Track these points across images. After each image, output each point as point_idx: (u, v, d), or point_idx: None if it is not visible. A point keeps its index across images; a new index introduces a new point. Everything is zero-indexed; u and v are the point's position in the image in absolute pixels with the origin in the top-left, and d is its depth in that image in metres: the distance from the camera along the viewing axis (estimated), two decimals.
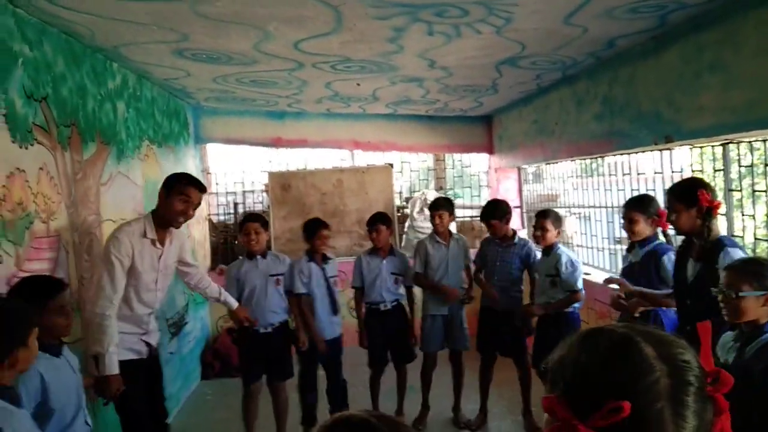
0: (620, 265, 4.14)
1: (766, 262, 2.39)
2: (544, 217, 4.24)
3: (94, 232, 3.71)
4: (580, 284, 4.14)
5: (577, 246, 6.07)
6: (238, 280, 4.19)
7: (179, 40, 3.56)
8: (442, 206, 4.68)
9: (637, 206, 3.51)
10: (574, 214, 6.52)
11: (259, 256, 4.22)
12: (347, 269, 5.19)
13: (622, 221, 3.66)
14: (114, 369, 2.96)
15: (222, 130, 6.72)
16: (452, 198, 7.85)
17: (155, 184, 4.78)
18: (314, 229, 4.49)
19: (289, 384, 4.37)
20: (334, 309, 4.49)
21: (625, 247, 4.00)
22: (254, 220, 4.26)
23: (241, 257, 4.46)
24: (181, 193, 3.23)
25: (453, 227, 6.91)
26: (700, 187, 2.84)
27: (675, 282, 3.10)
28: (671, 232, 3.43)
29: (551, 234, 4.21)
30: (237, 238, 7.28)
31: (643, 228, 3.47)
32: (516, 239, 4.62)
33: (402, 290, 4.77)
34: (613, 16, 3.19)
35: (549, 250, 4.26)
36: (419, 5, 2.97)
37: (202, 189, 3.36)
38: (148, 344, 3.37)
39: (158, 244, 3.28)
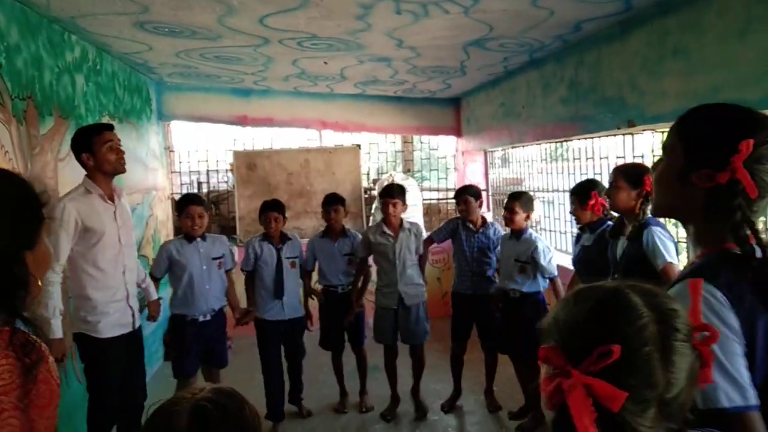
0: None
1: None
2: (514, 199, 4.17)
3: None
4: (555, 270, 4.12)
5: (541, 229, 6.14)
6: (175, 262, 3.93)
7: (140, 12, 3.46)
8: (397, 194, 4.38)
9: (575, 190, 3.70)
10: (539, 198, 6.59)
11: (198, 239, 3.98)
12: None
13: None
14: (58, 333, 2.96)
15: (186, 106, 6.58)
16: (419, 180, 7.91)
17: None
18: (264, 210, 4.37)
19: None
20: (276, 291, 4.31)
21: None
22: (198, 203, 3.99)
23: (177, 238, 4.16)
24: (104, 142, 3.13)
25: (418, 219, 6.97)
26: (647, 173, 3.01)
27: (609, 259, 3.26)
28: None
29: (519, 217, 4.13)
30: None
31: (580, 212, 3.64)
32: (488, 224, 4.53)
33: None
34: None
35: (519, 234, 4.18)
36: None
37: (111, 127, 3.26)
38: (132, 311, 3.33)
39: (108, 200, 3.22)
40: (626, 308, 0.89)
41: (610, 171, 3.25)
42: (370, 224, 7.16)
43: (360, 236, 4.64)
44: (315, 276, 4.75)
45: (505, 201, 4.32)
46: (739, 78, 2.78)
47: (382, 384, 4.68)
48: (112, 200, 3.26)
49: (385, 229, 4.40)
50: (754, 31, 2.67)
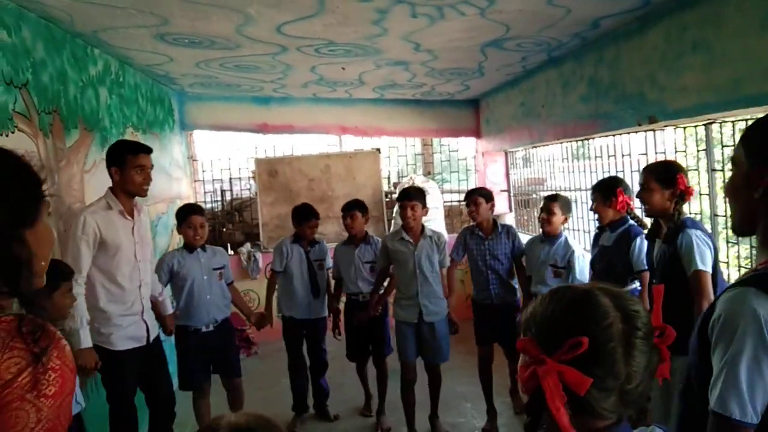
0: None
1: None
2: (553, 201, 4.03)
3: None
4: (587, 277, 3.95)
5: (565, 229, 6.09)
6: (176, 273, 3.92)
7: (159, 24, 3.52)
8: (415, 196, 4.05)
9: (598, 188, 3.63)
10: None
11: (199, 249, 3.97)
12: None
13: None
14: (87, 343, 3.00)
15: (208, 116, 6.66)
16: (440, 183, 7.89)
17: None
18: (304, 218, 4.50)
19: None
20: (314, 291, 4.48)
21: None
22: (199, 212, 3.99)
23: (177, 249, 4.13)
24: (135, 165, 3.19)
25: (440, 222, 6.93)
26: (679, 171, 2.92)
27: (647, 263, 3.20)
28: (638, 212, 3.51)
29: (557, 218, 3.98)
30: (225, 226, 7.28)
31: (605, 210, 3.55)
32: (499, 228, 4.34)
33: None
34: None
35: (554, 237, 4.05)
36: None
37: (150, 151, 3.31)
38: (147, 326, 3.37)
39: (127, 216, 3.27)
40: (595, 308, 1.01)
41: (641, 171, 3.12)
42: (392, 229, 7.17)
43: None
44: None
45: (542, 203, 4.19)
46: (761, 71, 2.75)
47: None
48: (132, 216, 3.31)
49: (404, 236, 4.09)
50: None
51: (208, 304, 3.94)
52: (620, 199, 3.48)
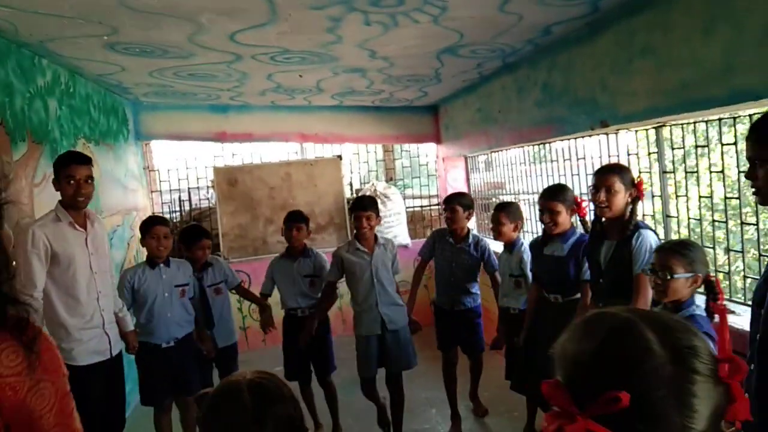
0: None
1: (694, 245, 2.50)
2: (500, 210, 4.00)
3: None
4: None
5: (525, 232, 6.15)
6: (136, 291, 3.82)
7: (109, 33, 3.45)
8: (369, 206, 4.00)
9: (557, 196, 3.46)
10: (523, 200, 6.60)
11: (162, 264, 3.87)
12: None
13: (540, 214, 3.52)
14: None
15: (164, 125, 6.55)
16: (401, 188, 7.91)
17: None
18: (191, 239, 4.24)
19: None
20: (208, 322, 4.21)
21: None
22: (163, 223, 3.90)
23: (139, 265, 4.01)
24: (66, 176, 3.14)
25: (403, 227, 6.93)
26: (632, 174, 3.00)
27: (589, 263, 3.19)
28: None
29: (507, 228, 3.95)
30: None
31: (565, 218, 3.45)
32: (470, 238, 4.33)
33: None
34: (546, 3, 3.23)
35: (511, 247, 4.03)
36: None
37: (83, 161, 3.22)
38: (109, 339, 3.31)
39: (78, 227, 3.21)
40: (638, 347, 0.81)
41: (595, 173, 3.06)
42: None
43: (322, 255, 4.42)
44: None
45: (491, 214, 4.15)
46: (706, 75, 2.82)
47: (359, 417, 4.52)
48: (84, 227, 3.25)
49: (359, 246, 4.03)
50: (717, 28, 2.71)
51: (168, 323, 3.84)
52: (583, 205, 3.43)
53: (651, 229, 2.94)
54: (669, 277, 2.35)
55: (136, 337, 3.70)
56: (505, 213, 3.98)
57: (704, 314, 2.35)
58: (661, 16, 3.09)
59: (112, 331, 3.37)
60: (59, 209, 3.20)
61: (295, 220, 4.31)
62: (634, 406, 0.76)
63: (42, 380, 1.20)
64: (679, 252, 2.39)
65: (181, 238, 4.32)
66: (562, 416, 0.81)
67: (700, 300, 2.45)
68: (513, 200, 4.96)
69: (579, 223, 3.52)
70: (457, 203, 4.27)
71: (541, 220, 3.52)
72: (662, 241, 2.92)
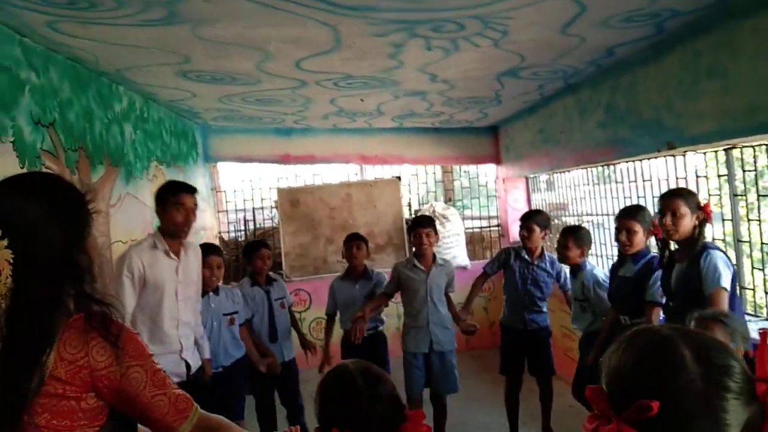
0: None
1: (735, 317, 2.50)
2: (568, 234, 3.97)
3: (104, 253, 3.76)
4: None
5: (592, 254, 6.03)
6: None
7: (181, 62, 3.62)
8: (428, 223, 4.13)
9: (635, 215, 3.43)
10: (588, 222, 6.47)
11: (211, 293, 3.88)
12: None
13: (615, 231, 3.49)
14: None
15: (231, 148, 6.79)
16: (460, 209, 7.90)
17: None
18: (251, 249, 4.32)
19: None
20: (272, 335, 4.25)
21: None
22: (217, 253, 3.96)
23: None
24: (175, 204, 3.21)
25: (461, 248, 6.88)
26: (698, 198, 2.99)
27: (662, 285, 3.15)
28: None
29: (573, 253, 3.91)
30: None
31: (641, 239, 3.40)
32: (546, 256, 4.36)
33: (382, 316, 4.44)
34: (609, 25, 3.21)
35: (576, 270, 3.98)
36: (415, 21, 3.01)
37: (192, 191, 3.31)
38: (187, 364, 3.32)
39: (172, 255, 3.28)
40: (672, 362, 0.89)
41: (660, 197, 3.08)
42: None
43: (383, 275, 4.48)
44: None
45: (558, 236, 4.11)
46: None
47: None
48: (178, 255, 3.31)
49: (416, 263, 4.14)
50: None
51: (216, 351, 3.82)
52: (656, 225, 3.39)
53: (720, 250, 2.91)
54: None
55: (210, 365, 3.68)
56: (574, 238, 3.94)
57: None
58: (727, 37, 3.02)
59: (192, 357, 3.38)
60: (157, 236, 3.29)
61: (355, 238, 4.44)
62: (663, 414, 0.85)
63: (131, 366, 1.37)
64: (719, 320, 2.32)
65: (243, 252, 4.45)
66: (600, 418, 0.92)
67: None
68: (580, 224, 4.85)
69: (656, 245, 3.45)
70: (534, 222, 4.28)
71: (617, 240, 3.49)
72: (730, 261, 2.87)
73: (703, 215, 2.91)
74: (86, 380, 1.32)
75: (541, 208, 5.50)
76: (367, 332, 4.19)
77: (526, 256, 4.33)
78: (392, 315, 5.81)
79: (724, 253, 2.90)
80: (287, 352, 4.37)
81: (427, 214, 6.97)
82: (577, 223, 4.52)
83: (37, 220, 1.31)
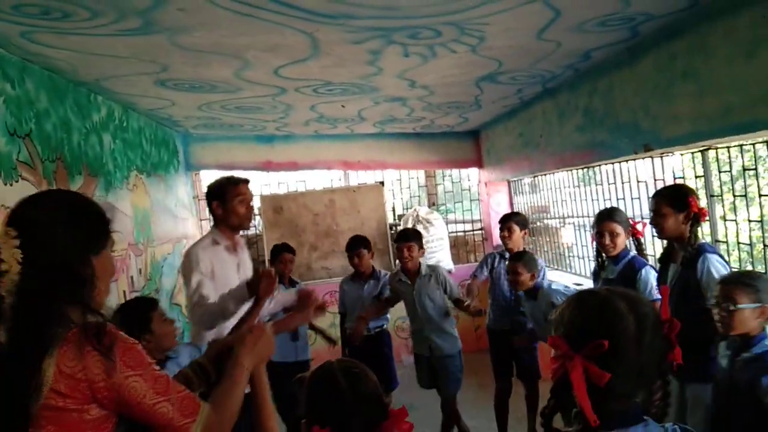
0: None
1: (760, 275, 2.44)
2: (516, 261, 3.91)
3: None
4: None
5: (572, 256, 6.08)
6: None
7: (159, 71, 3.61)
8: (412, 238, 4.23)
9: (614, 217, 3.44)
10: (570, 224, 6.51)
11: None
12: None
13: (597, 236, 3.47)
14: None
15: (212, 156, 6.76)
16: (444, 213, 7.92)
17: (144, 213, 4.85)
18: (276, 253, 4.55)
19: None
20: (294, 334, 4.38)
21: None
22: (291, 251, 4.47)
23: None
24: (237, 195, 3.14)
25: (446, 252, 6.91)
26: (691, 194, 2.93)
27: (658, 285, 3.15)
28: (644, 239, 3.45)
29: (524, 278, 3.83)
30: None
31: (623, 240, 3.41)
32: None
33: (387, 314, 4.60)
34: (585, 29, 3.24)
35: (532, 293, 3.87)
36: (391, 28, 3.02)
37: (248, 181, 3.27)
38: None
39: (231, 251, 3.22)
40: (614, 313, 1.24)
41: (651, 197, 3.09)
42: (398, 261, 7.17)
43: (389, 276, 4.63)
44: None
45: (507, 263, 4.10)
46: (750, 98, 2.78)
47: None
48: (236, 251, 3.27)
49: (402, 277, 4.29)
50: (761, 51, 2.67)
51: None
52: (637, 227, 3.46)
53: (717, 253, 2.87)
54: (733, 308, 2.30)
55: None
56: (522, 263, 3.87)
57: None
58: (701, 40, 3.06)
59: None
60: (216, 232, 3.22)
61: (354, 247, 4.48)
62: (610, 351, 1.19)
63: (129, 376, 1.38)
64: (742, 282, 2.34)
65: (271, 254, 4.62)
66: (563, 357, 1.23)
67: None
68: (525, 249, 4.58)
69: (633, 245, 3.50)
70: (513, 222, 4.34)
71: (600, 244, 3.46)
72: (727, 263, 2.86)
73: (692, 213, 2.86)
74: (86, 393, 1.34)
75: (518, 211, 5.52)
76: (372, 331, 4.44)
77: (506, 258, 4.36)
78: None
79: (720, 255, 2.87)
80: (302, 353, 4.52)
81: (411, 219, 7.01)
82: (523, 249, 4.44)
83: (45, 224, 1.40)
